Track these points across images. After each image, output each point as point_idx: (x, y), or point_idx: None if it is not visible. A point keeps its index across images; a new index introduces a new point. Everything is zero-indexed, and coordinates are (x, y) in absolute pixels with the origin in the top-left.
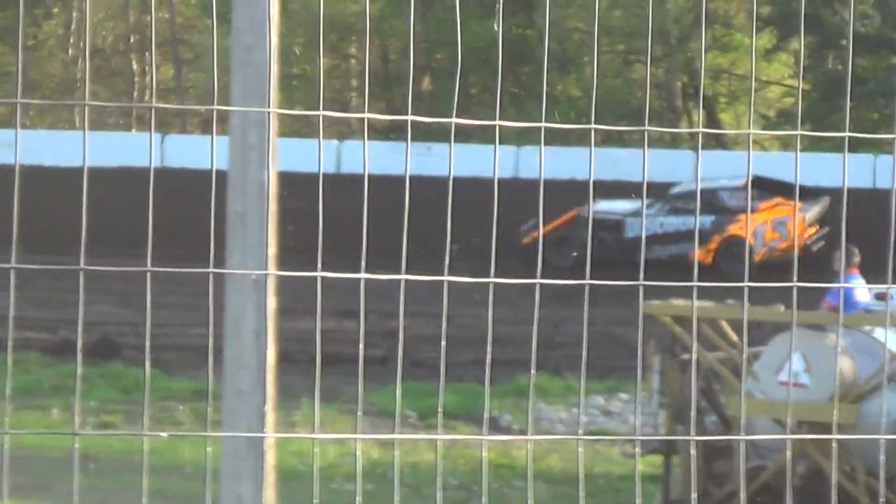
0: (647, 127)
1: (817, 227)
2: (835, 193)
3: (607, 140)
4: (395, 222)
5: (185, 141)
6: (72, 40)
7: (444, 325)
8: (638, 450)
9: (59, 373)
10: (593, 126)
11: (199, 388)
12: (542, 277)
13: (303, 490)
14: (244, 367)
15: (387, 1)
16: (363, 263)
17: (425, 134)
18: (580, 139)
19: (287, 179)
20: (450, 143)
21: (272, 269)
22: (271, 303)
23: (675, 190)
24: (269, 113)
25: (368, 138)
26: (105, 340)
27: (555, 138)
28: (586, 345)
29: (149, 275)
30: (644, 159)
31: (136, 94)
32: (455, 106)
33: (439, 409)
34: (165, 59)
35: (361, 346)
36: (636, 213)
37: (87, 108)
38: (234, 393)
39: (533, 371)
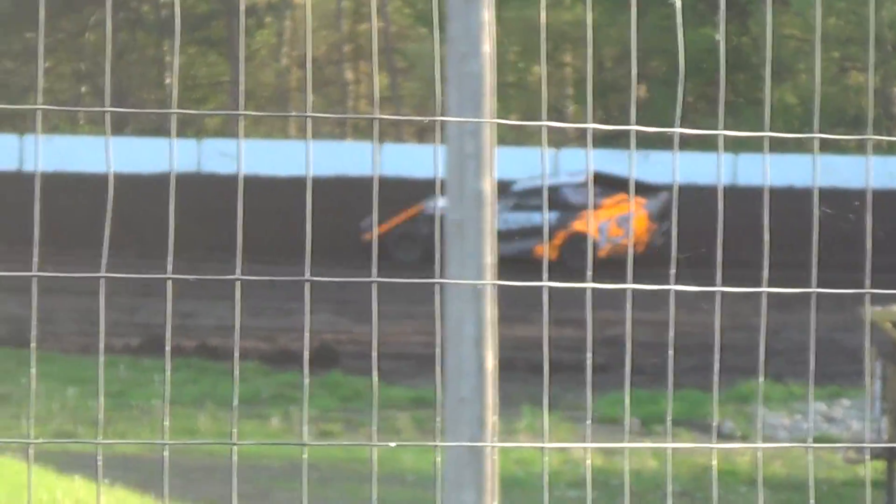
0: (870, 135)
1: (657, 223)
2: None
3: (824, 147)
4: None
5: (401, 150)
6: (284, 50)
7: (671, 335)
8: (866, 456)
9: (277, 382)
10: (817, 135)
11: (417, 397)
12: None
13: (524, 497)
14: (465, 376)
15: (601, 9)
16: (590, 273)
17: (642, 141)
18: (797, 146)
19: (501, 188)
20: (673, 152)
21: (490, 278)
22: (490, 312)
23: (517, 186)
24: (488, 123)
25: (585, 146)
26: (324, 349)
27: (773, 146)
28: (813, 352)
29: (374, 286)
30: (868, 167)
31: (350, 102)
32: (679, 115)
33: (668, 418)
34: (380, 69)
35: (589, 354)
36: None
37: (308, 119)
38: (456, 401)
39: (761, 379)
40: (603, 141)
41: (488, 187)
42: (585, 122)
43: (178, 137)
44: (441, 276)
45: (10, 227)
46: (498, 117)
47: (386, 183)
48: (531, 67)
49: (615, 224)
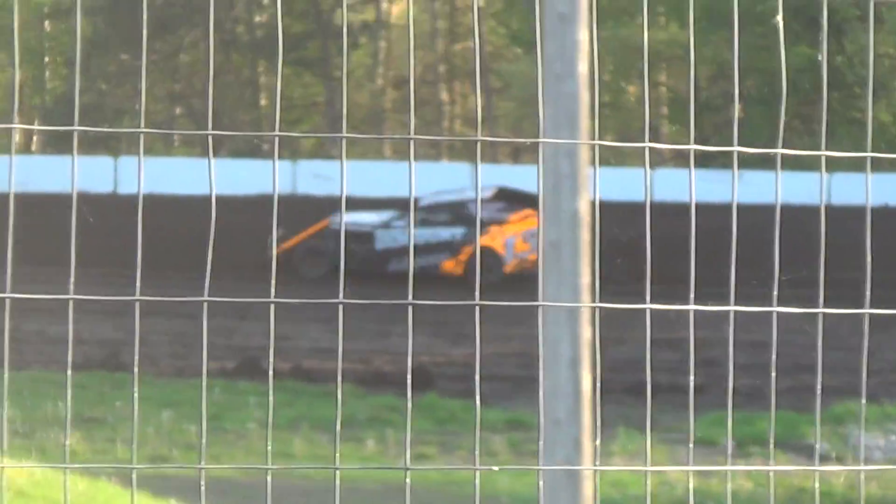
0: None
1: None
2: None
3: None
4: (710, 251)
5: (495, 170)
6: (379, 70)
7: (773, 357)
8: None
9: (372, 404)
10: None
11: (513, 419)
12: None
13: None
14: (560, 397)
15: (695, 28)
16: (692, 294)
17: (738, 162)
18: (891, 165)
19: (603, 208)
20: (775, 172)
21: (587, 298)
22: (586, 333)
23: (424, 202)
24: (594, 145)
25: (680, 166)
26: (420, 371)
27: (868, 165)
28: None
29: (477, 308)
30: None
31: (445, 123)
32: (781, 136)
33: (770, 442)
34: (475, 89)
35: (691, 377)
36: (386, 225)
37: (411, 141)
38: (552, 423)
39: (863, 401)
40: (697, 161)
41: (584, 207)
42: (681, 142)
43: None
44: (537, 296)
45: (104, 249)
46: (592, 137)
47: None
48: (625, 87)
49: (521, 239)
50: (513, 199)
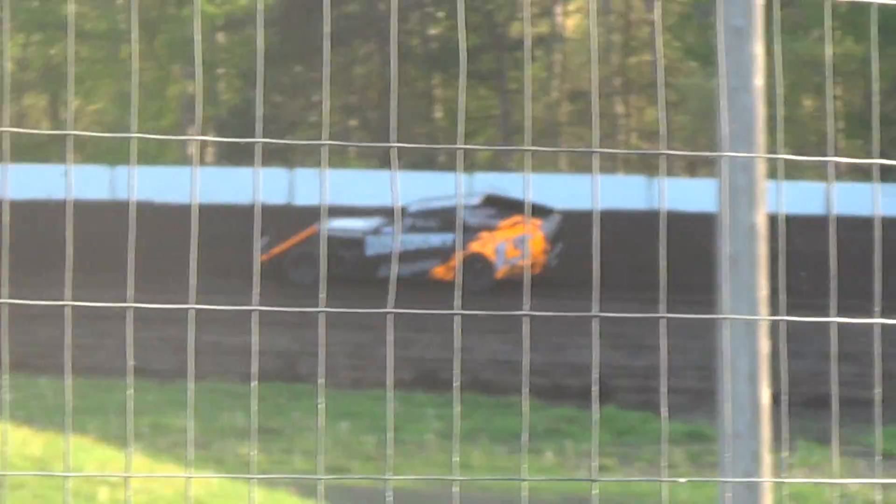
0: None
1: (552, 245)
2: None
3: None
4: (889, 264)
5: (672, 184)
6: (554, 83)
7: None
8: None
9: (550, 416)
10: None
11: (692, 431)
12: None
13: None
14: (739, 411)
15: (870, 43)
16: (877, 308)
17: None
18: None
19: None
20: None
21: (764, 311)
22: (764, 347)
23: (413, 208)
24: (760, 158)
25: (855, 180)
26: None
27: None
28: None
29: (663, 321)
30: None
31: (620, 136)
32: None
33: None
34: (650, 102)
35: (878, 389)
36: (376, 231)
37: (595, 155)
38: (731, 436)
39: None
40: (867, 173)
41: (761, 221)
42: (856, 156)
43: (450, 171)
44: (716, 310)
45: (276, 258)
46: (768, 151)
47: (655, 217)
48: (800, 101)
49: (512, 245)
50: (501, 206)
